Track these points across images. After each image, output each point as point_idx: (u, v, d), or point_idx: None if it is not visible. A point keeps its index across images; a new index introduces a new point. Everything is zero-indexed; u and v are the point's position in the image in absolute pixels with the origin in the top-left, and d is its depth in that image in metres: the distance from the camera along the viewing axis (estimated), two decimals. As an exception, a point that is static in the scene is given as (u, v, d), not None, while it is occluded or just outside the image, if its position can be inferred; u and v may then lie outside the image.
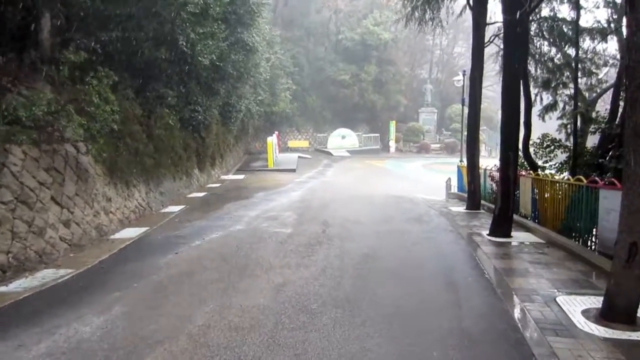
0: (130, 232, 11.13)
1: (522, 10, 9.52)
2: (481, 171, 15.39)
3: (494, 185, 15.29)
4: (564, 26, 13.82)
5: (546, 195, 11.17)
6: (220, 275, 7.37)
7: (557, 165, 14.62)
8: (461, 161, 20.78)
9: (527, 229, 10.92)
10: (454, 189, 20.13)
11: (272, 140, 29.24)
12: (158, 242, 10.22)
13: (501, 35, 14.62)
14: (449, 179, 20.45)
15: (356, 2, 46.82)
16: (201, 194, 17.87)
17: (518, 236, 10.19)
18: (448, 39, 56.81)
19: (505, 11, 9.83)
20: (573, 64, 12.95)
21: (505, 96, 9.94)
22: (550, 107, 13.78)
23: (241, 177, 24.68)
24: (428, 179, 27.24)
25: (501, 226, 10.13)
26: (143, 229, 11.41)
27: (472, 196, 14.80)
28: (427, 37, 54.15)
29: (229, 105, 23.46)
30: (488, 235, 10.33)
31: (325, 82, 44.38)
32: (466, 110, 22.05)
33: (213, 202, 15.97)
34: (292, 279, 7.07)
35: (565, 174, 13.59)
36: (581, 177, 9.11)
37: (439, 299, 6.27)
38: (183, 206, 14.94)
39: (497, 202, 10.39)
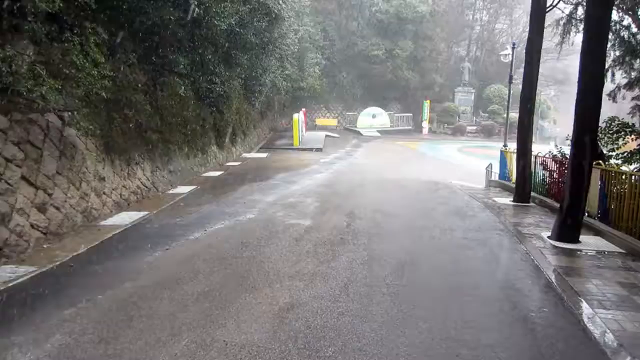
0: (125, 218, 9.62)
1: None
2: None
3: (546, 174, 13.36)
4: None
5: (618, 190, 9.17)
6: (210, 287, 5.69)
7: (624, 155, 12.49)
8: (505, 146, 18.73)
9: (595, 232, 8.92)
10: (495, 176, 18.09)
11: (299, 117, 27.51)
12: (152, 231, 8.66)
13: (566, -1, 12.71)
14: (490, 165, 18.41)
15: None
16: (218, 173, 16.42)
17: (587, 242, 8.21)
18: (489, 14, 53.29)
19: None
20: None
21: (585, 65, 7.85)
22: (634, 83, 11.46)
23: (264, 155, 23.23)
24: (465, 164, 25.16)
25: (569, 229, 8.16)
26: (141, 214, 9.92)
27: (522, 187, 12.77)
28: (466, 12, 51.24)
29: (252, 78, 21.73)
30: (550, 238, 8.39)
31: (356, 58, 41.93)
32: (513, 89, 20.00)
33: (229, 183, 14.45)
34: (304, 298, 5.33)
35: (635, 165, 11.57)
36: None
37: (513, 349, 4.40)
38: (194, 187, 13.45)
39: (564, 199, 8.37)
